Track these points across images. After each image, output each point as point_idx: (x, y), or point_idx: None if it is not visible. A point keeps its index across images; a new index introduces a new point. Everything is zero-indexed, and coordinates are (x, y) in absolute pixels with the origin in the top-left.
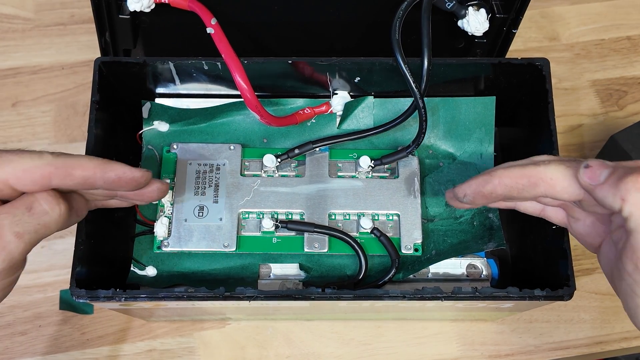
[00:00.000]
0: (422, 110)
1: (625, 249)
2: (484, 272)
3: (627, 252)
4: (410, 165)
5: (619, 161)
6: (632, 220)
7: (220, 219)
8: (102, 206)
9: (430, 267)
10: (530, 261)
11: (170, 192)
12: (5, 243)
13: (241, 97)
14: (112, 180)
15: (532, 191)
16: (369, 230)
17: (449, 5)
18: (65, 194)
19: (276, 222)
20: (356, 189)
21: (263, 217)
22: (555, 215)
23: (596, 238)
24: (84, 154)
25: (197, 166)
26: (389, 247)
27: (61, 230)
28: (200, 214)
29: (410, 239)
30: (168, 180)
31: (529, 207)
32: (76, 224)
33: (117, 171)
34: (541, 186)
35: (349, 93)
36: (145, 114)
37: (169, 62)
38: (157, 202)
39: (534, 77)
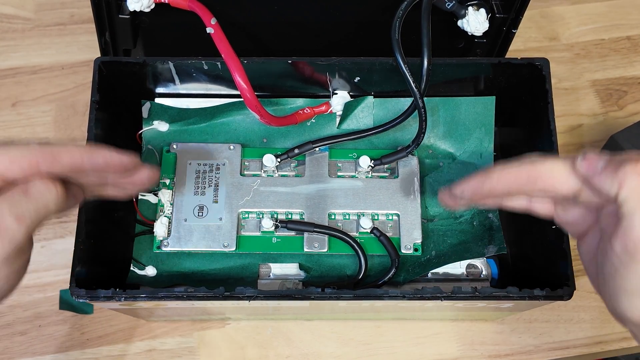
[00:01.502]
0: (422, 110)
1: (616, 232)
2: (484, 272)
3: (618, 234)
4: (410, 165)
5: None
6: (627, 204)
7: (220, 219)
8: (99, 195)
9: None
10: (530, 261)
11: (170, 191)
12: (6, 226)
13: (241, 97)
14: (100, 165)
15: (531, 187)
16: (368, 230)
17: (448, 5)
18: (60, 181)
19: (276, 222)
20: (356, 188)
21: (263, 217)
22: (542, 208)
23: (583, 226)
24: None
25: (197, 166)
26: (388, 247)
27: (61, 217)
28: (200, 214)
29: (410, 239)
30: (158, 170)
31: (516, 204)
32: (76, 226)
33: (105, 155)
34: (540, 182)
35: (348, 93)
36: (145, 114)
37: (169, 62)
38: (157, 202)
39: (534, 77)
